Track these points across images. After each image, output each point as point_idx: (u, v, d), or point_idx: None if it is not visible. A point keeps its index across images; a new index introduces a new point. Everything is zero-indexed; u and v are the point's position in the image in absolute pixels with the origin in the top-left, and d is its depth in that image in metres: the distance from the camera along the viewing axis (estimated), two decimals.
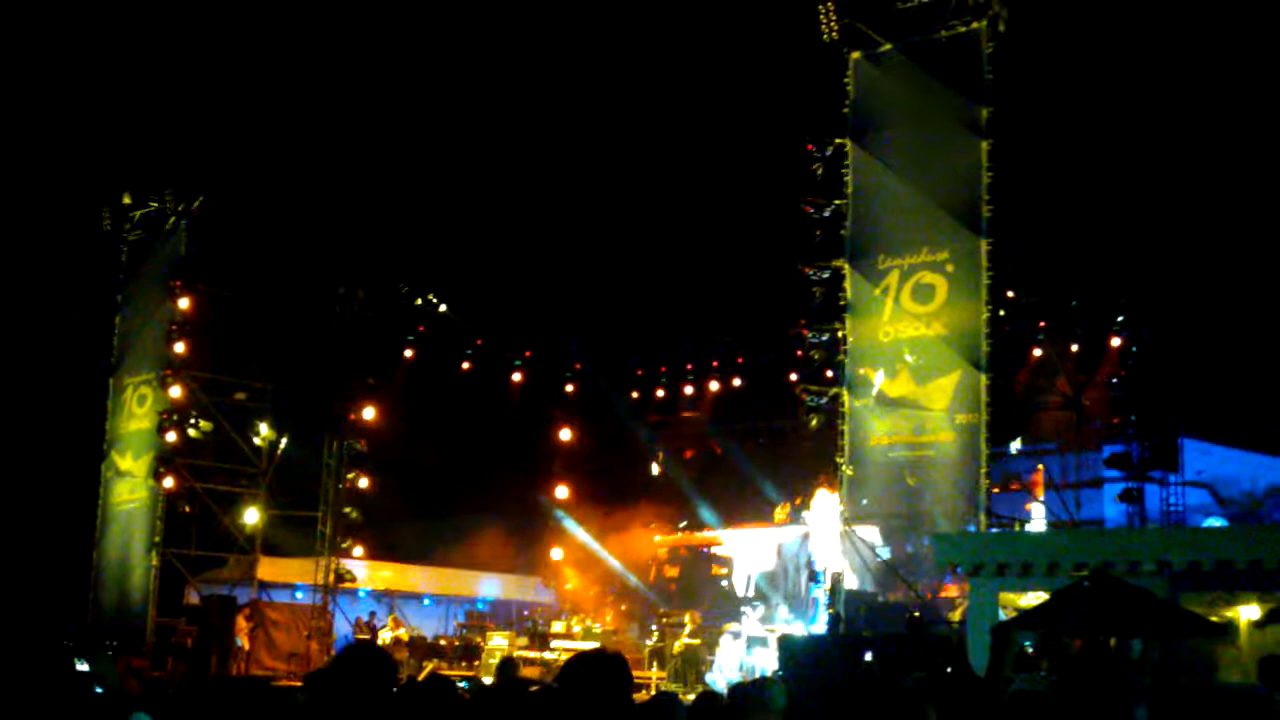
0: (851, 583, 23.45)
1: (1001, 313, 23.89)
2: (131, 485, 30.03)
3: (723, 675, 24.33)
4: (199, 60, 31.22)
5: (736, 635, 25.12)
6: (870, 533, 24.05)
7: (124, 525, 30.03)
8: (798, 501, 29.40)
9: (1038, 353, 26.18)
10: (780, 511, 30.63)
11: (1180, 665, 15.14)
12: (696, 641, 26.37)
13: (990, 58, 23.47)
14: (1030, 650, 15.01)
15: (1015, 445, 27.76)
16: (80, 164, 30.79)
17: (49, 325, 29.85)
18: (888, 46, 24.84)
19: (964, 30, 23.75)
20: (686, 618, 27.59)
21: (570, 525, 34.83)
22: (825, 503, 24.95)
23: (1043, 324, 26.66)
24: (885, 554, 23.87)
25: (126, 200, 31.00)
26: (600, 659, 4.89)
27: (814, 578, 24.99)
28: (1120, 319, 26.41)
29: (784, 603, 28.44)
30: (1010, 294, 24.60)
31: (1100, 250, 25.72)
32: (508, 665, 16.04)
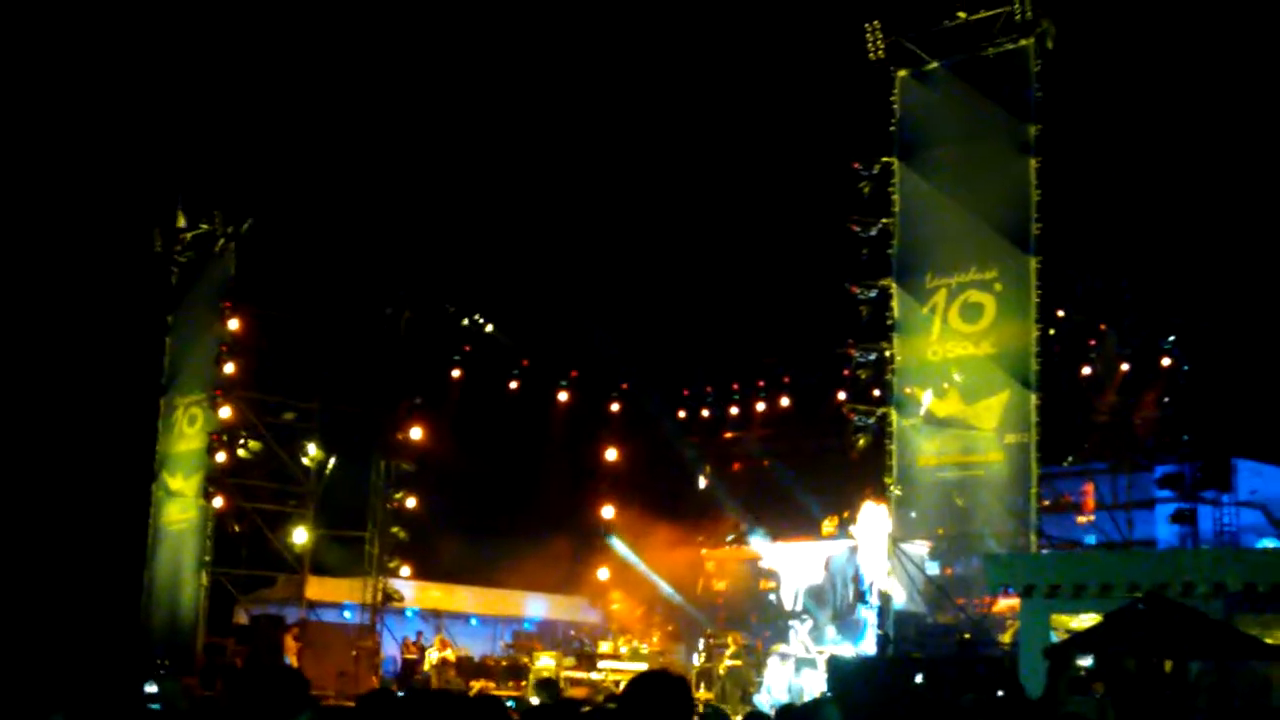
0: (900, 603, 23.32)
1: (1051, 332, 23.70)
2: (182, 505, 30.26)
3: (770, 696, 24.24)
4: (250, 82, 31.53)
5: (785, 657, 25.02)
6: (918, 551, 23.91)
7: (174, 545, 30.25)
8: (845, 515, 29.32)
9: (1087, 371, 25.95)
10: (828, 524, 30.55)
11: (1235, 688, 14.94)
12: (740, 662, 26.28)
13: (1038, 75, 23.34)
14: (1083, 673, 14.88)
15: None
16: (131, 186, 31.12)
17: (101, 346, 30.14)
18: (934, 65, 24.76)
19: (1011, 48, 23.64)
20: (730, 639, 27.50)
21: (617, 545, 34.81)
22: (872, 516, 24.85)
23: (1092, 342, 26.43)
24: (933, 569, 23.72)
25: (179, 223, 31.34)
26: (664, 680, 4.86)
27: (862, 597, 24.89)
28: (1172, 338, 26.19)
29: (831, 622, 28.32)
30: (1060, 313, 24.41)
31: (1151, 269, 25.49)
32: (548, 685, 16.08)
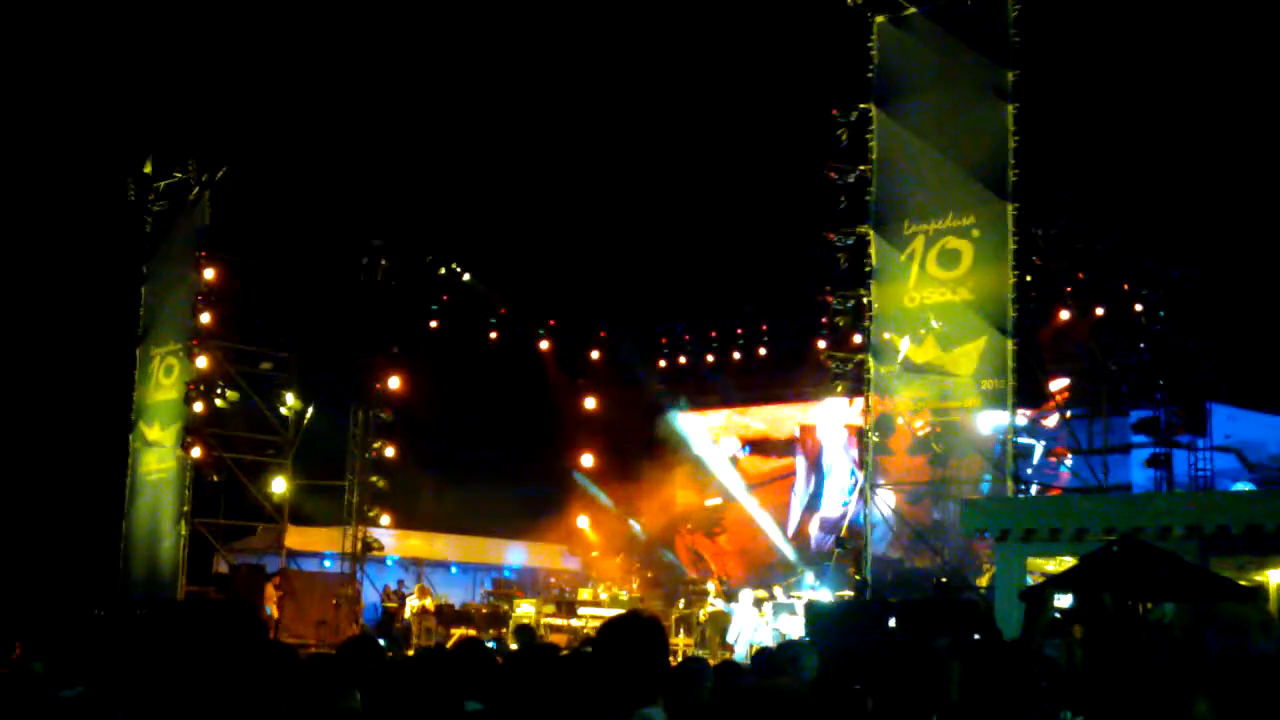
0: (877, 548, 23.49)
1: (1028, 278, 23.74)
2: (160, 455, 30.20)
3: (742, 639, 24.44)
4: (220, 29, 31.18)
5: (758, 602, 25.20)
6: (894, 496, 24.08)
7: (152, 495, 30.22)
8: None
9: (1064, 317, 26.02)
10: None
11: (1210, 630, 15.11)
12: (721, 608, 26.46)
13: (1016, 21, 23.25)
14: (1060, 615, 15.00)
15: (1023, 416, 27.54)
16: (103, 135, 30.81)
17: (76, 296, 29.96)
18: (912, 10, 24.63)
19: None
20: (710, 584, 27.69)
21: (596, 493, 34.96)
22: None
23: (1069, 289, 26.49)
24: (910, 514, 23.91)
25: (149, 170, 31.04)
26: (636, 622, 4.89)
27: (840, 543, 25.06)
28: (1147, 285, 26.27)
29: (809, 567, 28.54)
30: (1036, 259, 24.44)
31: (1128, 214, 25.51)
32: (525, 630, 16.15)
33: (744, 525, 34.12)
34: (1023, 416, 25.34)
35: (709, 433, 35.48)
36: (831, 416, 30.61)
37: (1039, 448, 25.85)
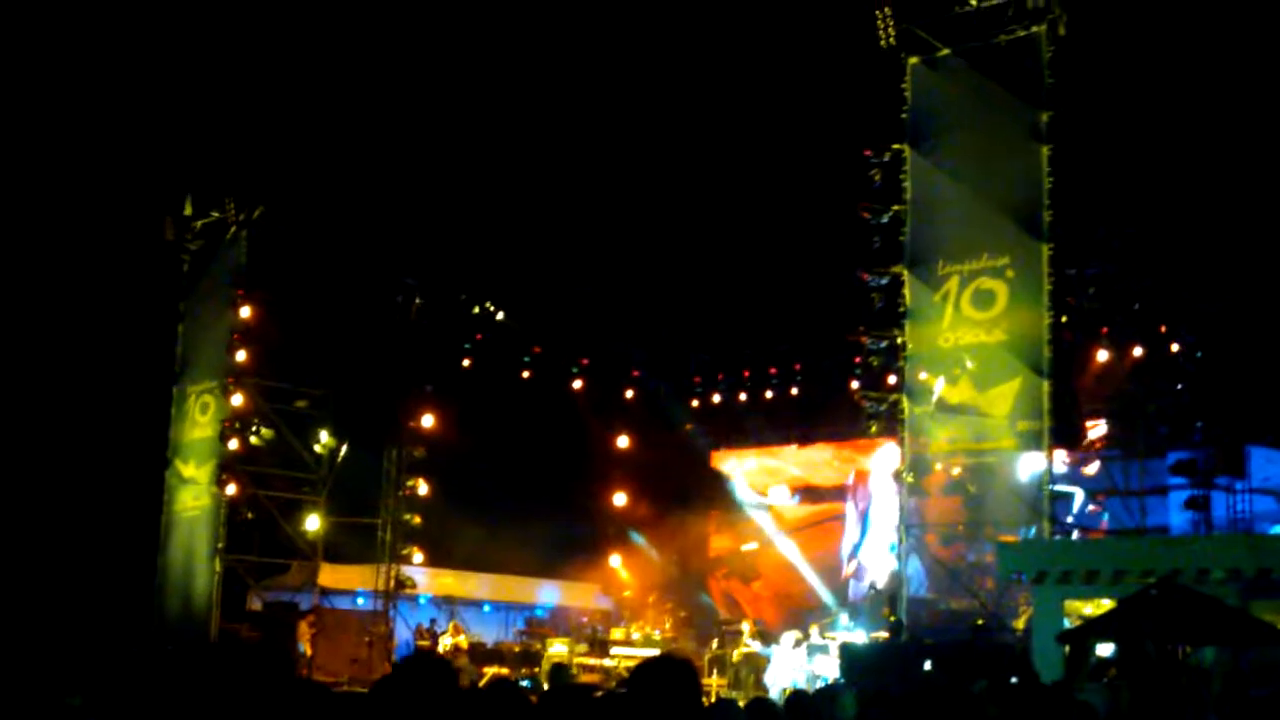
0: (912, 590, 23.34)
1: (1064, 319, 23.64)
2: (195, 492, 30.37)
3: (778, 682, 24.26)
4: (260, 70, 31.52)
5: (798, 643, 25.03)
6: (930, 539, 23.93)
7: (187, 532, 30.37)
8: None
9: (1101, 359, 25.86)
10: None
11: (1250, 674, 14.92)
12: (755, 649, 26.29)
13: (1050, 62, 23.26)
14: (1098, 660, 14.87)
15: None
16: (142, 174, 31.14)
17: (114, 335, 30.21)
18: (946, 52, 24.67)
19: (1023, 34, 23.53)
20: (745, 625, 27.54)
21: (629, 532, 34.89)
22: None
23: (1105, 330, 26.35)
24: (945, 556, 23.74)
25: (188, 211, 31.37)
26: (670, 664, 4.87)
27: (873, 585, 24.91)
28: (1184, 324, 26.11)
29: (844, 608, 28.36)
30: (1072, 300, 24.34)
31: (1165, 255, 25.38)
32: (560, 671, 16.09)
33: (781, 570, 33.93)
34: (1062, 464, 25.23)
35: (745, 476, 35.37)
36: (884, 463, 30.24)
37: (1079, 495, 25.64)
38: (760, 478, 35.44)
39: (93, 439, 29.72)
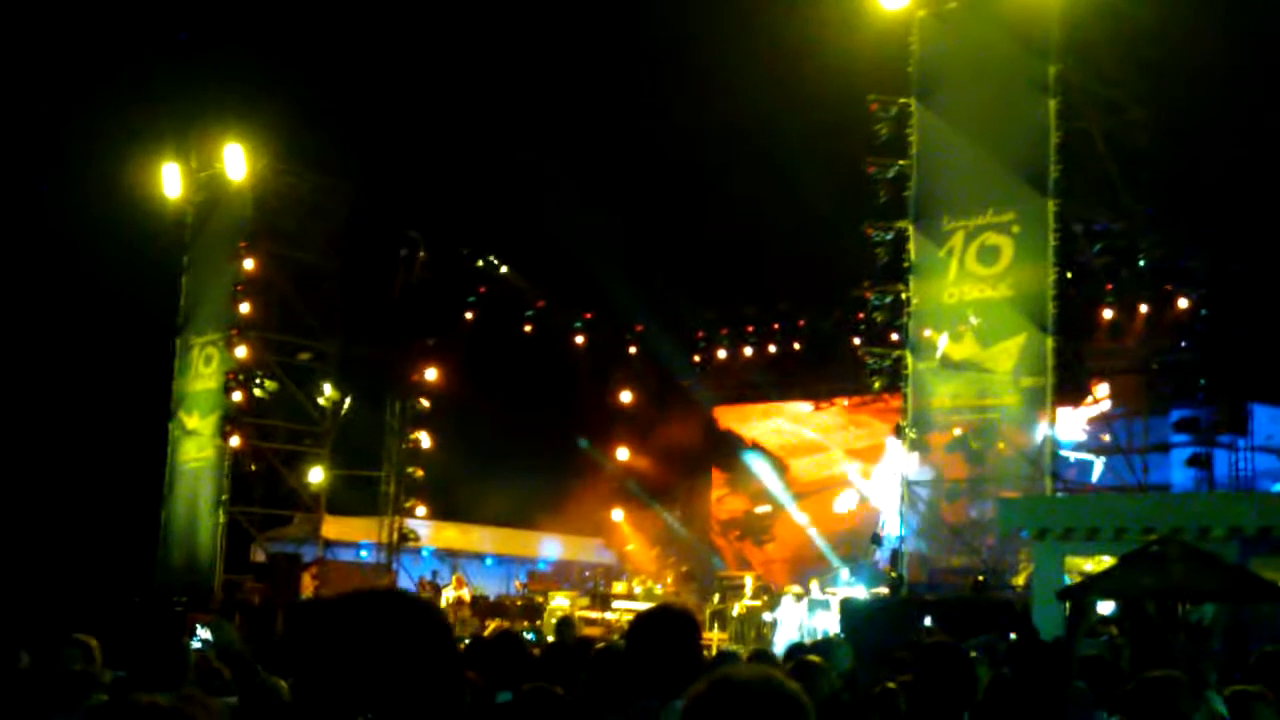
0: (913, 546, 23.38)
1: (1069, 275, 23.55)
2: (199, 444, 30.45)
3: (782, 637, 24.36)
4: (263, 20, 31.30)
5: (799, 597, 25.12)
6: (932, 494, 23.93)
7: (191, 483, 30.47)
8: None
9: (1106, 316, 25.79)
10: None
11: (1250, 631, 14.95)
12: (758, 603, 26.40)
13: (1059, 14, 23.05)
14: (1099, 618, 14.90)
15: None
16: (145, 126, 31.00)
17: (117, 287, 30.16)
18: (954, 4, 24.46)
19: None
20: (747, 579, 27.65)
21: (631, 487, 34.97)
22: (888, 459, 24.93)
23: (1110, 286, 26.27)
24: (947, 512, 23.78)
25: (192, 163, 31.29)
26: (669, 614, 4.88)
27: (876, 540, 24.96)
28: (1190, 282, 26.03)
29: (845, 564, 28.45)
30: (1077, 256, 24.23)
31: (1172, 211, 25.25)
32: (566, 624, 16.18)
33: (795, 533, 33.96)
34: (1082, 432, 25.25)
35: (762, 438, 35.33)
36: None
37: (1099, 463, 25.61)
38: (775, 439, 35.35)
39: (96, 391, 29.74)
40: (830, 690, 7.40)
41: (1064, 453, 24.94)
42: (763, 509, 34.75)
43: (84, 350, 29.78)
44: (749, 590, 27.12)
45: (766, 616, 25.74)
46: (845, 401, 32.29)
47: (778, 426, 35.25)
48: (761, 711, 2.92)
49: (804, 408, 34.44)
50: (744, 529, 35.28)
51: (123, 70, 30.49)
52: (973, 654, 7.39)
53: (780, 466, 34.77)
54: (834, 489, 33.80)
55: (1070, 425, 25.67)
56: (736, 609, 26.58)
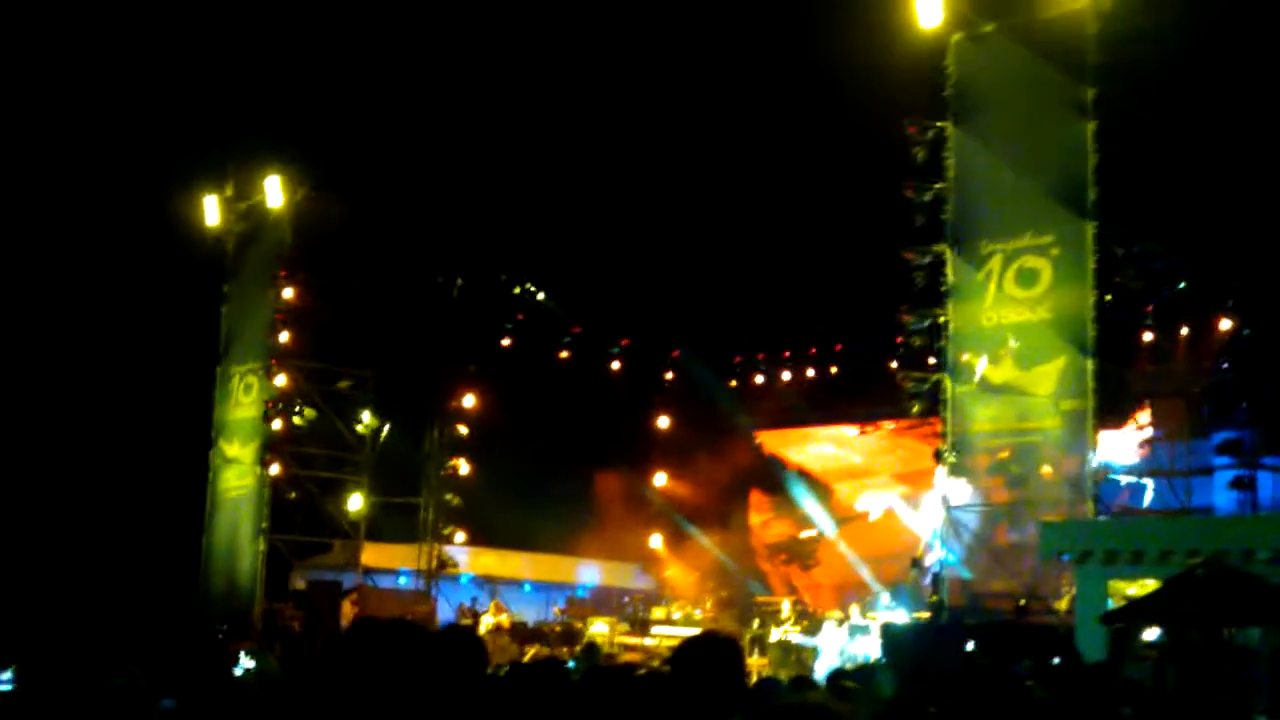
0: (954, 570, 23.24)
1: (1108, 298, 23.42)
2: (239, 472, 30.62)
3: (823, 663, 24.22)
4: (303, 52, 31.60)
5: (841, 622, 24.99)
6: (973, 518, 23.79)
7: (232, 511, 30.64)
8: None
9: (1147, 338, 25.63)
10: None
11: None
12: (797, 629, 26.27)
13: (1096, 37, 23.00)
14: (1144, 644, 14.74)
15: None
16: (187, 155, 31.33)
17: (159, 316, 30.45)
18: (990, 27, 24.45)
19: (1069, 9, 23.29)
20: (784, 603, 27.51)
21: (669, 512, 34.89)
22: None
23: (1150, 308, 26.11)
24: (988, 536, 23.62)
25: (230, 192, 31.57)
26: (714, 642, 4.88)
27: (917, 564, 24.82)
28: (1230, 302, 25.82)
29: (886, 588, 28.27)
30: (1117, 278, 24.10)
31: (1212, 234, 25.08)
32: (592, 650, 16.12)
33: (841, 558, 33.70)
34: (1135, 455, 25.04)
35: (808, 464, 35.18)
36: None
37: (1150, 487, 25.36)
38: (819, 464, 35.16)
39: (139, 420, 29.99)
40: (869, 717, 7.35)
41: (1115, 476, 24.77)
42: (808, 533, 34.52)
43: (126, 380, 30.05)
44: (785, 614, 26.98)
45: (807, 641, 25.60)
46: (891, 425, 31.95)
47: (821, 451, 35.07)
48: None
49: (850, 431, 34.23)
50: (790, 553, 35.07)
51: (163, 101, 30.85)
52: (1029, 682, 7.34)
53: (825, 491, 34.59)
54: (880, 516, 33.54)
55: (1123, 448, 25.49)
56: (776, 634, 26.45)
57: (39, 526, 27.66)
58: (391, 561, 31.38)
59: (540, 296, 34.24)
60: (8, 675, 7.86)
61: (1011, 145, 24.01)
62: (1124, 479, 25.07)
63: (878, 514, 32.23)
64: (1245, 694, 9.46)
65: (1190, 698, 9.10)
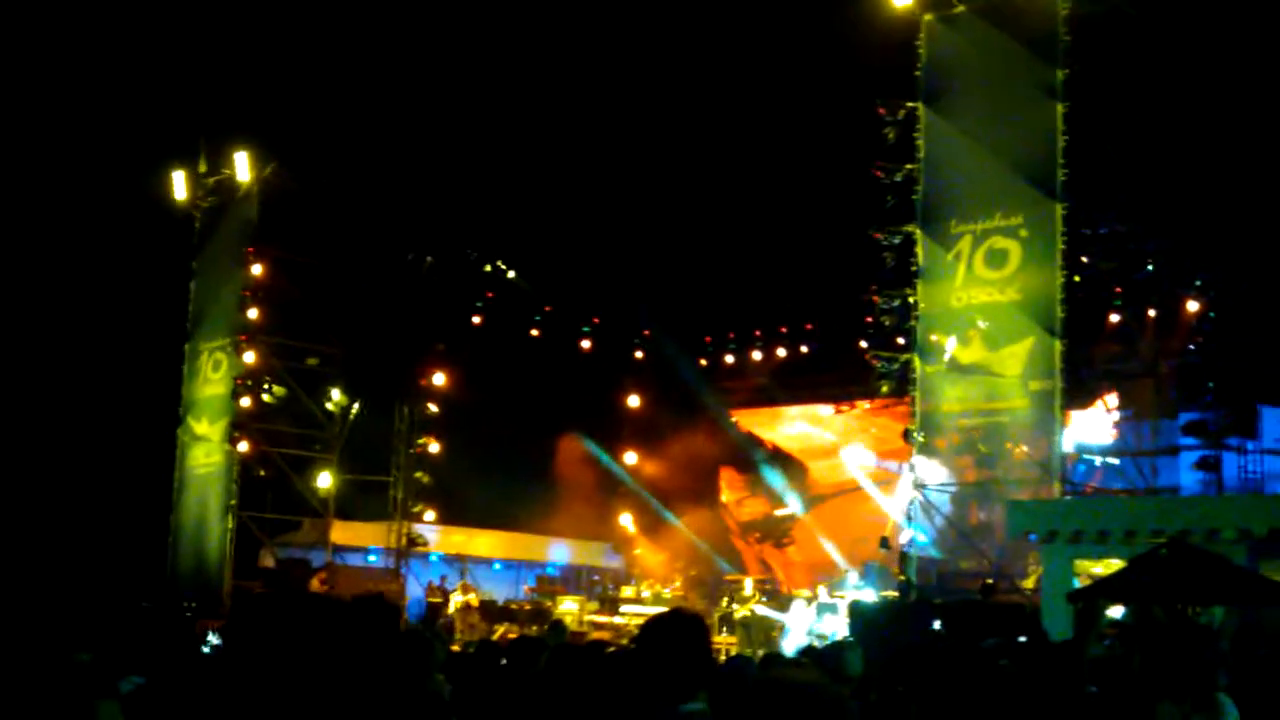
0: (922, 549, 23.37)
1: (1077, 279, 23.55)
2: (207, 449, 30.49)
3: (791, 640, 24.32)
4: (271, 27, 31.36)
5: (809, 601, 25.10)
6: (940, 498, 23.92)
7: (200, 489, 30.51)
8: None
9: (1114, 319, 25.78)
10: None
11: (1260, 634, 14.92)
12: (764, 607, 26.36)
13: (1066, 19, 23.06)
14: (1105, 620, 14.83)
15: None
16: (153, 131, 31.07)
17: (125, 292, 30.24)
18: (961, 8, 24.49)
19: None
20: (746, 581, 27.58)
21: (640, 491, 34.93)
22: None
23: (1119, 290, 26.27)
24: (956, 515, 23.76)
25: (201, 168, 31.36)
26: (679, 619, 4.89)
27: (884, 543, 24.95)
28: (1198, 284, 26.00)
29: (853, 567, 28.40)
30: (1085, 260, 24.24)
31: (1179, 215, 25.23)
32: (557, 628, 16.14)
33: (814, 536, 33.84)
34: (1110, 436, 25.22)
35: (786, 442, 35.25)
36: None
37: (1118, 466, 25.53)
38: (796, 444, 35.27)
39: (106, 396, 29.80)
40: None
41: (1090, 457, 24.96)
42: (783, 512, 34.68)
43: (93, 356, 29.85)
44: (749, 592, 27.03)
45: (773, 614, 25.70)
46: (867, 404, 32.07)
47: (795, 430, 35.19)
48: (813, 713, 2.95)
49: (824, 410, 34.35)
50: (763, 531, 35.22)
51: (130, 75, 30.58)
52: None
53: (800, 469, 34.72)
54: (852, 492, 33.70)
55: (1097, 428, 25.68)
56: (742, 612, 26.53)
57: (4, 504, 27.45)
58: (361, 539, 31.33)
59: (510, 274, 34.15)
60: None
61: (982, 126, 24.08)
62: (1098, 459, 25.26)
63: (865, 479, 32.26)
64: (1208, 671, 9.53)
65: (1154, 674, 9.17)
